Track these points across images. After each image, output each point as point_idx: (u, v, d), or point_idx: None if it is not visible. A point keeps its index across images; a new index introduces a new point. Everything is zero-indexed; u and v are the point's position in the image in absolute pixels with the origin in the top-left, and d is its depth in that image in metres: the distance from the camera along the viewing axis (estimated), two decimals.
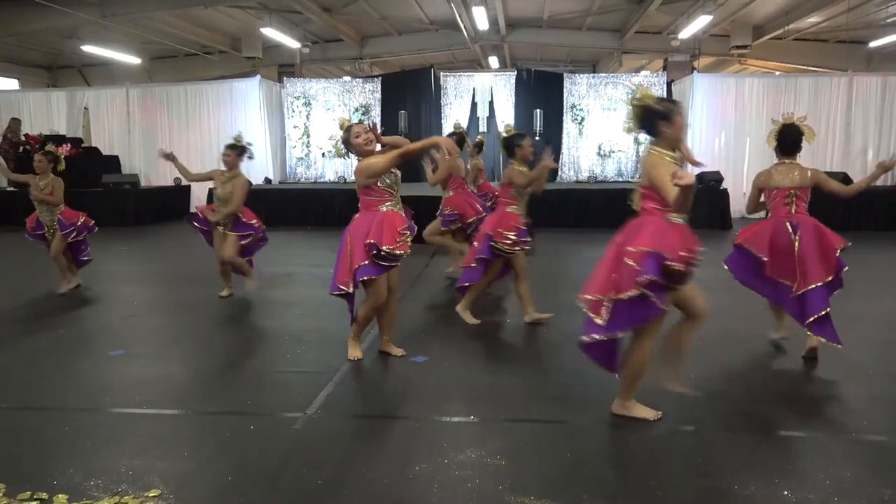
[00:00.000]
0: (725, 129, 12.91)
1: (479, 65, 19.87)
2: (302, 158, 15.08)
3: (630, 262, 2.98)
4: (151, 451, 2.96)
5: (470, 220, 6.45)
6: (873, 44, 14.79)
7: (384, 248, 3.85)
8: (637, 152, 14.36)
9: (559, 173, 14.54)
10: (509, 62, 19.36)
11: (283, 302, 5.93)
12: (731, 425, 3.28)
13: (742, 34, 15.24)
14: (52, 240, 6.26)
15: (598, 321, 3.12)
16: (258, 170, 13.91)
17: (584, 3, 14.64)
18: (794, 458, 2.90)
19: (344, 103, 14.87)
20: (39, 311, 5.71)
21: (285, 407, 3.46)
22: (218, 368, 4.20)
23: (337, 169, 14.84)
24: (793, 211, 4.21)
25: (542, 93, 14.70)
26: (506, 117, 14.74)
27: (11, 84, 17.40)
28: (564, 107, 14.46)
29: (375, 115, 14.59)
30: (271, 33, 14.56)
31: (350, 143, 4.04)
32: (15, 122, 12.91)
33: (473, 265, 4.94)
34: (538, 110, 14.48)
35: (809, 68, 16.04)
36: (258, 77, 14.18)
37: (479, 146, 7.64)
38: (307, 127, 14.95)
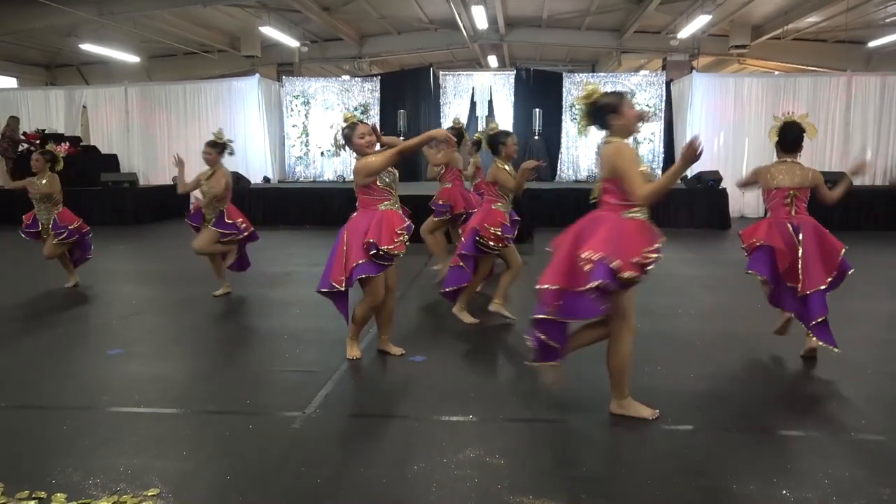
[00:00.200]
0: (724, 128, 12.91)
1: (478, 64, 19.87)
2: (301, 157, 15.07)
3: (582, 265, 2.96)
4: (150, 451, 2.96)
5: (459, 212, 6.47)
6: (872, 44, 14.80)
7: (383, 247, 3.85)
8: (636, 152, 14.35)
9: (558, 172, 14.54)
10: (508, 61, 19.36)
11: (282, 301, 5.93)
12: (729, 425, 3.28)
13: (741, 34, 15.25)
14: (47, 239, 6.25)
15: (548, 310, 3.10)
16: (257, 169, 13.92)
17: (583, 2, 14.64)
18: (792, 457, 2.90)
19: (343, 102, 14.85)
20: (38, 309, 5.71)
21: (284, 406, 3.46)
22: (217, 367, 4.20)
23: (336, 168, 14.83)
24: (793, 212, 4.19)
25: (540, 92, 14.69)
26: (505, 116, 14.74)
27: (10, 82, 17.38)
28: (563, 106, 14.46)
29: (374, 115, 14.58)
30: (270, 32, 14.55)
31: (352, 140, 4.03)
32: (14, 121, 12.89)
33: (460, 264, 4.95)
34: (537, 110, 14.48)
35: (808, 68, 16.05)
36: (257, 76, 14.17)
37: (477, 144, 7.65)
38: (306, 126, 14.94)
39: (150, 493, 2.56)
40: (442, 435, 3.15)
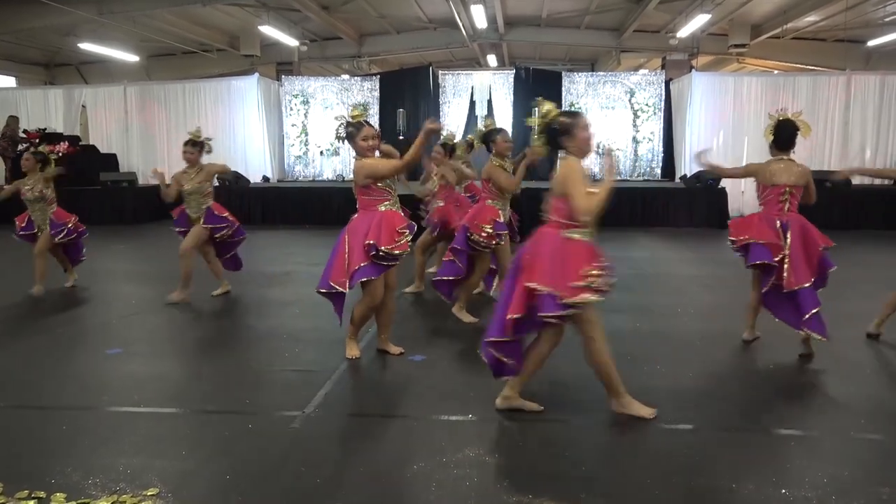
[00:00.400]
0: (724, 127, 12.91)
1: (477, 63, 19.86)
2: (300, 157, 15.06)
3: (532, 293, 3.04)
4: (150, 450, 2.96)
5: (453, 228, 6.43)
6: (871, 43, 14.80)
7: (383, 248, 3.84)
8: (635, 151, 14.37)
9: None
10: (508, 61, 19.34)
11: (282, 301, 5.93)
12: (729, 424, 3.28)
13: (740, 33, 15.24)
14: (40, 238, 6.19)
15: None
16: (256, 168, 13.91)
17: (582, 1, 14.63)
18: (791, 456, 2.90)
19: (342, 101, 14.84)
20: (38, 309, 5.70)
21: (284, 406, 3.46)
22: (216, 367, 4.20)
23: (335, 167, 14.82)
24: (786, 208, 4.23)
25: (540, 91, 14.44)
26: (504, 116, 14.73)
27: (9, 82, 17.36)
28: (563, 105, 14.43)
29: (374, 114, 14.56)
30: (269, 31, 14.54)
31: (355, 139, 4.03)
32: (13, 120, 12.87)
33: (452, 258, 4.98)
34: (537, 109, 14.46)
35: (808, 67, 16.05)
36: (256, 75, 14.15)
37: (470, 145, 7.63)
38: (305, 125, 14.92)
39: (149, 493, 2.56)
40: (442, 434, 3.15)
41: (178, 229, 6.06)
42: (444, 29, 16.23)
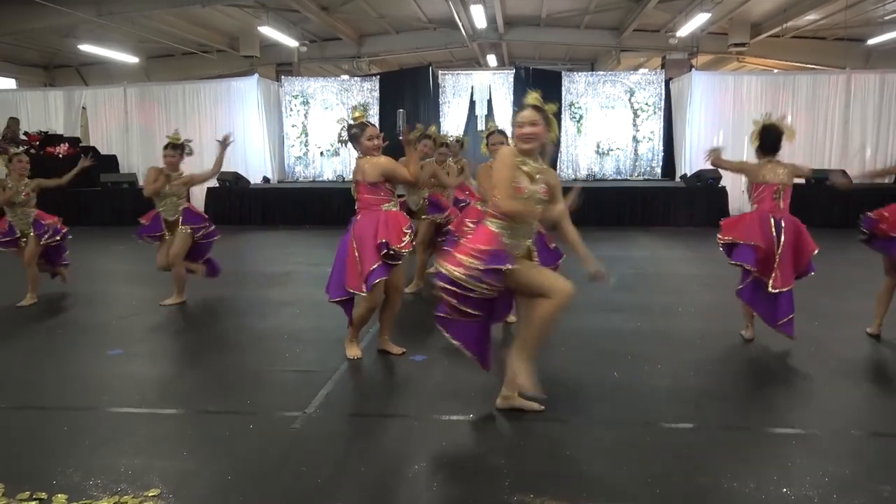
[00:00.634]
0: (724, 126, 12.89)
1: (477, 63, 19.84)
2: (300, 157, 15.06)
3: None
4: (151, 451, 2.96)
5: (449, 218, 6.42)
6: (871, 41, 14.79)
7: (394, 246, 3.86)
8: (636, 150, 14.36)
9: (558, 171, 14.53)
10: (507, 60, 19.33)
11: (282, 301, 5.93)
12: (729, 423, 3.28)
13: (740, 32, 15.23)
14: (27, 245, 5.87)
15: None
16: (256, 168, 13.91)
17: (582, 1, 14.62)
18: (793, 455, 2.90)
19: (342, 102, 14.84)
20: (37, 310, 5.70)
21: (284, 406, 3.46)
22: (217, 368, 4.19)
23: (335, 167, 14.82)
24: (780, 206, 4.33)
25: (540, 91, 14.64)
26: (504, 116, 14.72)
27: (9, 83, 17.36)
28: (563, 105, 14.43)
29: (374, 114, 14.56)
30: (269, 32, 14.53)
31: (359, 140, 4.06)
32: (14, 122, 12.88)
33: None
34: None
35: (807, 66, 16.04)
36: (256, 76, 14.15)
37: (461, 145, 7.61)
38: (305, 126, 14.92)
39: (150, 494, 2.56)
40: (442, 434, 3.15)
41: (151, 235, 5.80)
42: (443, 29, 16.22)
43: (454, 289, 3.06)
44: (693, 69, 13.83)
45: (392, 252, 3.88)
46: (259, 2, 13.49)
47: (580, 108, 14.42)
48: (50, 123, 14.19)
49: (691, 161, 12.91)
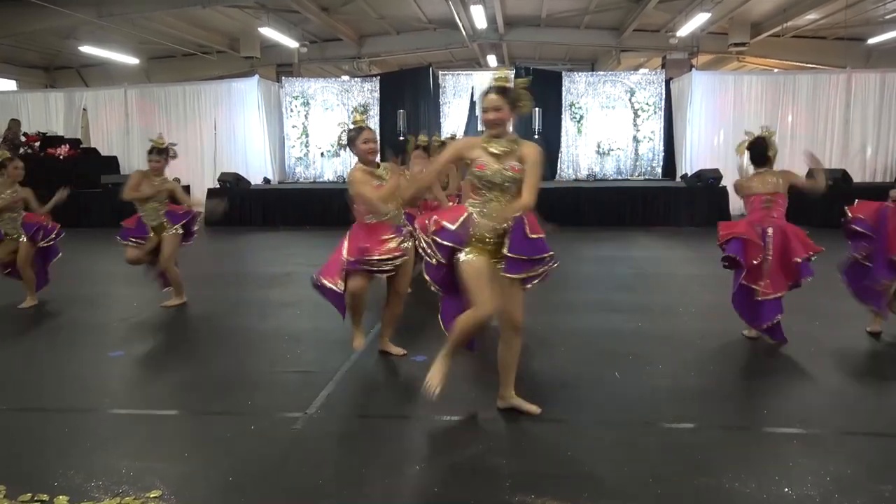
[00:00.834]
0: (724, 126, 12.89)
1: (477, 63, 19.85)
2: (301, 158, 15.07)
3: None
4: (152, 452, 2.96)
5: None
6: (872, 41, 14.78)
7: (374, 255, 3.88)
8: (636, 150, 14.36)
9: (558, 172, 14.53)
10: (508, 61, 19.33)
11: (282, 302, 5.93)
12: (730, 423, 3.28)
13: (740, 32, 15.23)
14: (20, 249, 5.71)
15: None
16: (257, 169, 13.92)
17: (582, 1, 14.62)
18: (794, 455, 2.90)
19: (342, 103, 14.84)
20: (38, 312, 5.70)
21: (285, 407, 3.46)
22: (218, 369, 4.19)
23: (336, 168, 14.83)
24: (773, 214, 4.37)
25: (540, 91, 14.62)
26: None
27: (9, 85, 17.37)
28: (563, 105, 14.43)
29: (374, 115, 14.57)
30: (269, 33, 14.54)
31: (355, 143, 4.06)
32: (15, 124, 12.88)
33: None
34: (537, 109, 14.42)
35: (808, 65, 16.03)
36: (256, 77, 14.16)
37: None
38: (306, 126, 14.93)
39: (152, 495, 2.56)
40: (443, 435, 3.15)
41: (133, 239, 5.58)
42: (443, 29, 16.22)
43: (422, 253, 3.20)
44: (693, 69, 13.84)
45: (367, 260, 3.85)
46: (259, 3, 13.50)
47: (580, 108, 14.42)
48: (50, 125, 14.20)
49: (692, 161, 12.91)
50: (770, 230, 4.31)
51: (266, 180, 13.90)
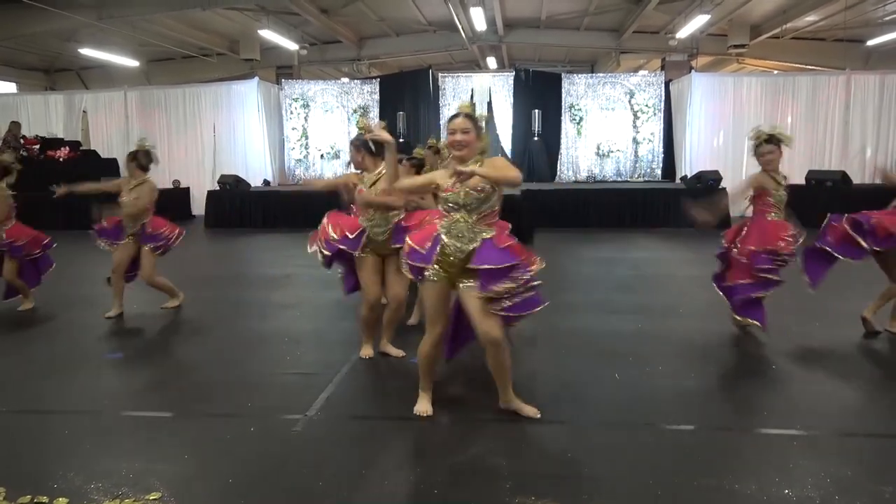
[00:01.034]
0: (724, 128, 12.91)
1: (477, 65, 19.86)
2: (300, 160, 15.08)
3: None
4: (151, 454, 2.96)
5: None
6: (871, 42, 14.79)
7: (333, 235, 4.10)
8: (636, 152, 14.37)
9: (558, 173, 14.54)
10: (507, 63, 19.34)
11: (282, 304, 5.93)
12: (731, 424, 3.28)
13: (740, 33, 15.24)
14: (4, 262, 5.63)
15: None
16: (257, 171, 13.93)
17: (581, 3, 14.64)
18: (795, 456, 2.90)
19: (342, 105, 14.86)
20: (38, 314, 5.70)
21: (286, 409, 3.46)
22: (218, 370, 4.19)
23: (336, 170, 14.84)
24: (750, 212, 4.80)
25: (540, 93, 14.70)
26: (504, 118, 14.74)
27: (9, 87, 17.39)
28: (563, 107, 14.46)
29: (374, 117, 14.58)
30: (269, 35, 14.55)
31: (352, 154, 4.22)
32: (15, 126, 12.89)
33: None
34: (536, 111, 14.48)
35: (807, 67, 16.04)
36: (256, 79, 14.17)
37: (436, 151, 7.55)
38: (305, 129, 14.95)
39: (151, 497, 2.56)
40: (443, 436, 3.15)
41: (111, 240, 5.51)
42: (443, 31, 16.24)
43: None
44: (693, 71, 13.85)
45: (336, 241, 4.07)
46: (259, 5, 13.51)
47: (580, 109, 14.44)
48: (50, 127, 14.23)
49: (691, 162, 12.92)
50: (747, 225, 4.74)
51: (266, 182, 13.91)
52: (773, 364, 4.19)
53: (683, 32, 14.29)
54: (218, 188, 12.49)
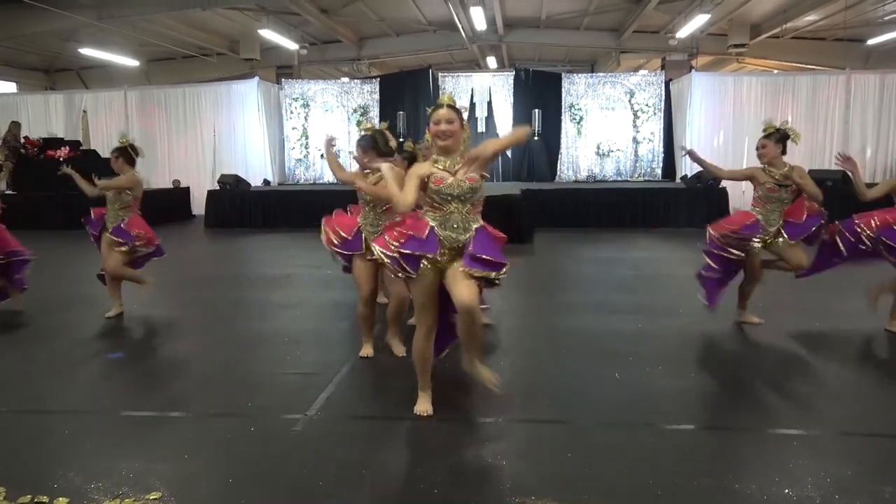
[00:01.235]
0: (724, 127, 12.92)
1: (477, 65, 19.86)
2: (301, 160, 15.09)
3: None
4: (152, 454, 2.96)
5: None
6: (871, 41, 14.80)
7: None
8: (636, 151, 14.37)
9: (558, 173, 14.54)
10: (507, 62, 19.35)
11: (283, 304, 5.93)
12: (731, 424, 3.28)
13: (740, 33, 15.25)
14: None
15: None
16: (257, 171, 13.94)
17: (581, 2, 14.65)
18: (794, 456, 2.90)
19: (342, 104, 14.87)
20: (37, 313, 5.69)
21: (286, 409, 3.46)
22: (218, 370, 4.20)
23: (330, 167, 14.84)
24: None
25: (540, 93, 14.71)
26: (504, 117, 14.74)
27: (9, 87, 17.40)
28: (563, 106, 14.47)
29: (374, 116, 14.59)
30: (269, 35, 14.56)
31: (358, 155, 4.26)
32: (15, 126, 12.89)
33: None
34: (537, 110, 14.49)
35: (807, 66, 16.05)
36: (256, 79, 14.18)
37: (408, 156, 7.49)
38: (305, 128, 14.96)
39: (152, 497, 2.56)
40: (443, 436, 3.15)
41: (93, 233, 5.51)
42: (443, 31, 16.25)
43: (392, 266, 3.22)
44: (693, 70, 13.85)
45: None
46: (259, 5, 13.51)
47: (580, 109, 14.45)
48: (51, 127, 14.24)
49: (691, 162, 12.90)
50: None
51: (266, 182, 13.91)
52: (773, 364, 4.20)
53: (683, 32, 14.30)
54: (218, 188, 12.50)
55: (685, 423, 3.24)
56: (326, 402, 3.55)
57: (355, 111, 14.83)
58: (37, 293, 6.40)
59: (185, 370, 4.25)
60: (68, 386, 3.88)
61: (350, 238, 4.19)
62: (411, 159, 5.62)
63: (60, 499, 2.54)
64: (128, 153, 5.41)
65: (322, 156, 14.90)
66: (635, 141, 14.35)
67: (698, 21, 13.25)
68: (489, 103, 14.93)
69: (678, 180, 13.08)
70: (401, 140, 4.33)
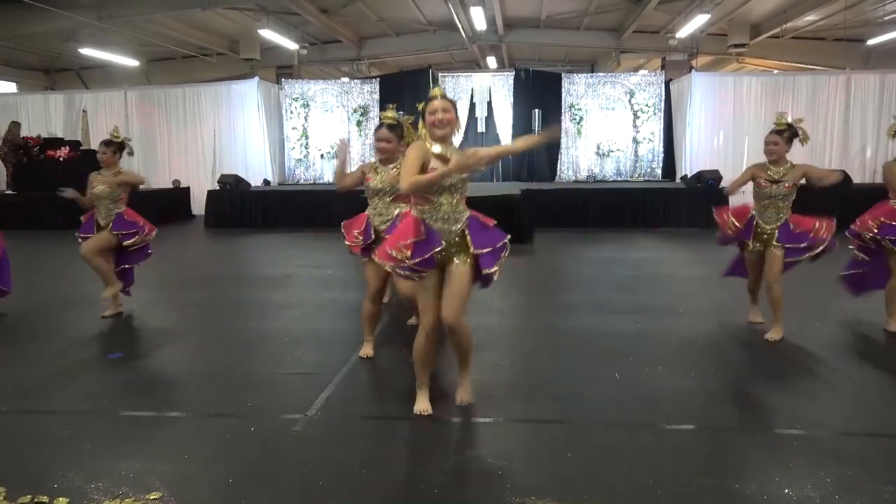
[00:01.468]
0: (724, 127, 12.92)
1: (477, 65, 19.87)
2: (301, 160, 15.09)
3: None
4: (152, 454, 2.96)
5: None
6: (871, 41, 14.80)
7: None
8: (636, 151, 14.37)
9: (558, 173, 14.54)
10: (507, 62, 19.35)
11: (283, 304, 5.93)
12: (731, 424, 3.28)
13: (740, 33, 15.26)
14: None
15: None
16: (257, 171, 13.94)
17: (581, 2, 14.65)
18: (794, 456, 2.90)
19: (342, 104, 14.86)
20: (37, 314, 5.70)
21: (286, 408, 3.46)
22: (218, 370, 4.20)
23: (335, 170, 14.85)
24: None
25: (540, 93, 14.70)
26: (504, 117, 14.73)
27: (9, 87, 17.40)
28: (563, 106, 14.46)
29: (374, 116, 14.58)
30: (269, 35, 14.56)
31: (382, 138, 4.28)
32: (15, 126, 12.89)
33: None
34: (537, 110, 14.48)
35: (807, 66, 16.05)
36: (256, 79, 14.18)
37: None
38: (305, 128, 14.95)
39: (151, 497, 2.56)
40: (443, 436, 3.15)
41: (82, 235, 5.44)
42: (443, 31, 16.25)
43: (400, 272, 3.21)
44: (693, 70, 13.85)
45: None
46: (259, 5, 13.51)
47: (580, 109, 14.44)
48: (50, 127, 14.24)
49: (691, 162, 12.93)
50: None
51: (266, 182, 13.91)
52: (773, 364, 4.19)
53: (683, 32, 14.30)
54: (218, 188, 12.50)
55: (685, 423, 3.24)
56: (326, 402, 3.55)
57: (355, 111, 14.82)
58: (37, 293, 6.41)
59: (185, 370, 4.25)
60: (68, 386, 3.88)
61: (362, 234, 4.25)
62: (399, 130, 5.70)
63: (60, 499, 2.54)
64: (123, 149, 5.39)
65: (322, 156, 14.94)
66: (635, 141, 14.35)
67: (698, 21, 13.25)
68: (489, 103, 14.92)
69: (678, 180, 13.08)
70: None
